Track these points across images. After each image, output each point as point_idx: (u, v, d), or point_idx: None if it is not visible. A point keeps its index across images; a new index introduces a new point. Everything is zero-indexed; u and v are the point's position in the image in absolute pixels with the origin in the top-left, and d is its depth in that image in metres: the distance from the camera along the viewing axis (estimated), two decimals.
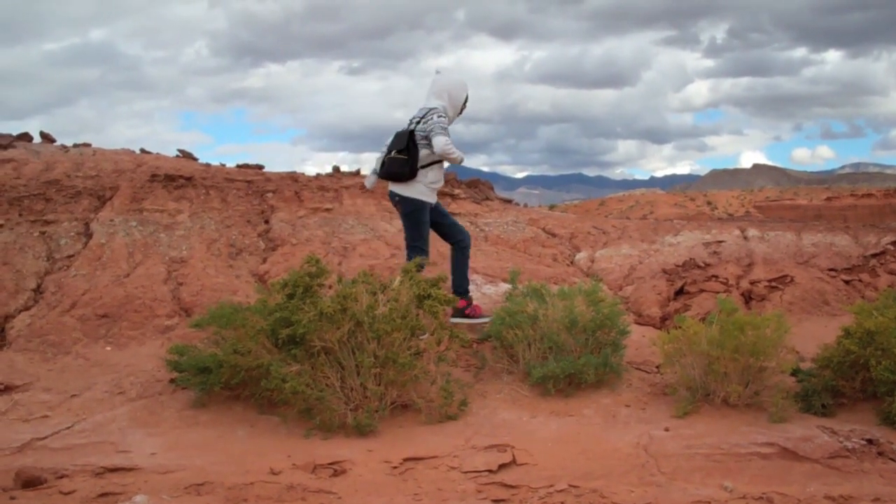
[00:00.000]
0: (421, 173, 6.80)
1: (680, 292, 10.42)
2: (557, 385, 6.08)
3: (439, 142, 6.56)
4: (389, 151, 6.86)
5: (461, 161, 6.77)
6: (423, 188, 6.83)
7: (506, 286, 7.77)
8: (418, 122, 6.78)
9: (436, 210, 7.07)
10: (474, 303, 7.28)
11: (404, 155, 6.73)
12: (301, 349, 5.55)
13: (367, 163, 13.16)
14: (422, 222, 6.91)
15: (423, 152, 6.76)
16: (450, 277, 6.94)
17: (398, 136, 6.85)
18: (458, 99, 6.93)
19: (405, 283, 6.02)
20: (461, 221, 9.56)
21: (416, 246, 6.89)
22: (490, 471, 4.71)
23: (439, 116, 6.69)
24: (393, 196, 6.96)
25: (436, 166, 6.89)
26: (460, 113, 7.06)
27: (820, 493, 4.35)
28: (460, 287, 7.11)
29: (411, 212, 6.88)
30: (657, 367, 6.62)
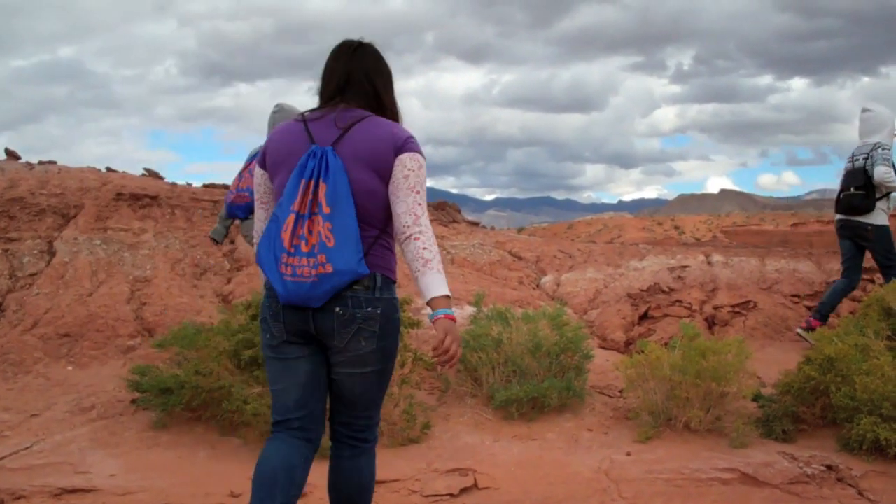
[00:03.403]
0: (879, 202, 7.45)
1: (644, 317, 10.47)
2: (520, 409, 6.09)
3: (878, 171, 7.24)
4: (846, 188, 7.56)
5: None
6: (884, 214, 7.51)
7: (471, 309, 7.78)
8: (866, 159, 7.39)
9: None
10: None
11: (862, 190, 7.41)
12: (263, 371, 5.52)
13: None
14: (892, 242, 7.56)
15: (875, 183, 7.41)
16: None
17: (851, 173, 7.54)
18: (893, 129, 7.53)
19: None
20: None
21: (894, 265, 7.55)
22: (451, 495, 4.70)
23: (882, 150, 7.35)
24: (862, 227, 7.54)
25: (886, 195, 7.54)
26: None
27: None
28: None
29: (883, 237, 7.52)
30: (620, 391, 6.64)
